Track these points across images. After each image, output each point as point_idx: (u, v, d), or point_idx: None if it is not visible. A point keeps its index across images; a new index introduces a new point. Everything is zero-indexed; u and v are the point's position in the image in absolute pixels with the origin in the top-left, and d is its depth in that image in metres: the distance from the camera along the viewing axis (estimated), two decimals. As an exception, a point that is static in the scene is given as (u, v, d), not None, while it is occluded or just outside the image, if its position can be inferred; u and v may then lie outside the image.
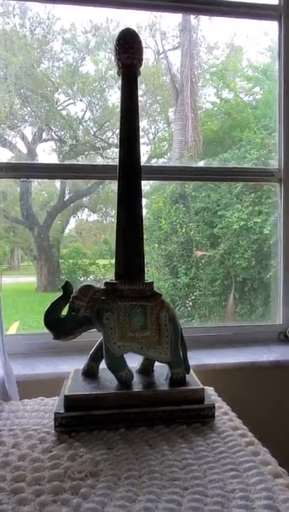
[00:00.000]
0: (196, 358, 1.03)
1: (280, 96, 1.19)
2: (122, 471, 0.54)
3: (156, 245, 2.30)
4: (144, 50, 0.75)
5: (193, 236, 2.25)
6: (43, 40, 2.13)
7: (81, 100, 2.21)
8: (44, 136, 2.20)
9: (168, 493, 0.49)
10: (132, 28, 0.72)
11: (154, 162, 2.43)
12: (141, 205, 0.74)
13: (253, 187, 2.02)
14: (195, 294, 2.21)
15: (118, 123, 0.74)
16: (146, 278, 0.74)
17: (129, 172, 0.73)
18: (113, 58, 0.74)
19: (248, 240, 2.11)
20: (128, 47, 0.70)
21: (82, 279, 2.26)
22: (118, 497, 0.48)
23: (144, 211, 0.76)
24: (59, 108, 2.21)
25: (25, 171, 1.13)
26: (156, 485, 0.51)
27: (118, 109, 0.74)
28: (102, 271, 2.28)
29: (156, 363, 0.75)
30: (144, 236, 0.76)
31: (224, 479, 0.52)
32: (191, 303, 2.20)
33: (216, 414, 0.69)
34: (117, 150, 0.74)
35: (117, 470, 0.54)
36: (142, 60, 0.73)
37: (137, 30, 0.73)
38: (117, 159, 0.74)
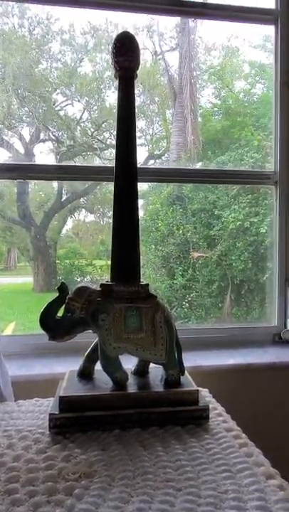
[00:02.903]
0: (192, 360, 1.03)
1: (276, 99, 1.20)
2: (116, 472, 0.54)
3: (153, 246, 2.30)
4: (142, 51, 0.75)
5: (190, 237, 2.25)
6: (42, 40, 2.13)
7: (79, 101, 2.21)
8: (42, 136, 2.19)
9: (161, 494, 0.49)
10: (129, 32, 0.73)
11: (151, 163, 2.44)
12: (137, 206, 0.75)
13: (250, 189, 2.03)
14: (192, 295, 2.22)
15: (115, 124, 0.74)
16: (142, 279, 0.74)
17: (126, 173, 0.73)
18: (110, 61, 0.74)
19: (244, 241, 2.11)
20: (125, 50, 0.71)
21: (78, 279, 2.26)
22: (112, 498, 0.48)
23: (141, 212, 0.77)
24: (57, 108, 2.21)
25: (22, 171, 1.13)
26: (149, 486, 0.51)
27: (116, 110, 0.74)
28: (98, 272, 2.28)
29: (151, 365, 0.76)
30: (141, 237, 0.76)
31: (217, 480, 0.52)
32: (187, 304, 2.21)
33: (210, 415, 0.69)
34: (114, 151, 0.75)
35: (111, 471, 0.54)
36: (139, 63, 0.73)
37: (134, 32, 0.74)
38: (113, 160, 0.74)
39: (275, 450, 0.66)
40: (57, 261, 2.24)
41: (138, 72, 0.75)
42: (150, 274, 2.27)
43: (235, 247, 2.14)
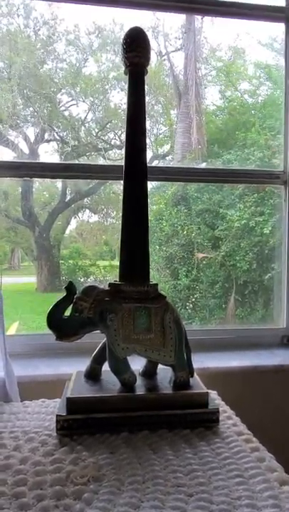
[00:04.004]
0: (198, 361, 1.01)
1: (286, 97, 1.19)
2: (126, 476, 0.53)
3: (158, 247, 2.29)
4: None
5: (195, 238, 2.24)
6: (47, 40, 2.13)
7: (84, 101, 2.20)
8: (46, 136, 2.19)
9: (172, 500, 0.48)
10: (139, 27, 0.72)
11: (155, 164, 2.43)
12: (147, 205, 0.73)
13: (255, 188, 2.02)
14: (195, 296, 2.20)
15: (120, 124, 0.73)
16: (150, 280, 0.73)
17: (136, 172, 0.72)
18: (120, 57, 0.73)
19: (249, 242, 2.10)
20: (136, 45, 0.70)
21: (82, 279, 2.25)
22: (122, 503, 0.47)
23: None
24: (62, 109, 2.21)
25: (27, 170, 1.12)
26: (160, 491, 0.50)
27: (120, 111, 0.73)
28: (102, 272, 2.27)
29: (160, 366, 0.74)
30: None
31: (230, 486, 0.51)
32: (191, 305, 2.19)
33: (219, 418, 0.68)
34: (119, 151, 0.74)
35: (121, 475, 0.53)
36: (149, 59, 0.72)
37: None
38: (119, 160, 0.73)
39: (285, 455, 0.65)
40: (60, 261, 2.24)
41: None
42: (154, 274, 2.26)
43: (240, 247, 2.12)
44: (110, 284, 0.70)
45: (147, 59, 0.72)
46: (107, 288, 0.70)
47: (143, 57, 0.71)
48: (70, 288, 0.69)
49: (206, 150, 2.25)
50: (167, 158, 2.46)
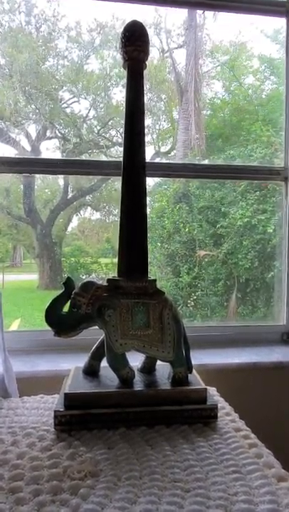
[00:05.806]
0: (198, 358, 1.01)
1: (288, 93, 1.18)
2: (123, 471, 0.53)
3: (159, 244, 2.28)
4: (150, 48, 0.73)
5: (196, 235, 2.23)
6: (49, 37, 2.12)
7: (85, 98, 2.20)
8: (48, 133, 2.19)
9: (169, 495, 0.48)
10: (138, 21, 0.71)
11: (157, 161, 2.42)
12: (145, 202, 0.73)
13: (257, 185, 2.01)
14: (197, 293, 2.20)
15: (122, 121, 0.73)
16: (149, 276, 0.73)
17: (134, 168, 0.72)
18: (119, 51, 0.72)
19: (251, 239, 2.09)
20: (134, 39, 0.69)
21: (84, 277, 2.25)
22: (118, 498, 0.47)
23: (147, 210, 0.75)
24: (63, 106, 2.20)
25: (29, 165, 1.12)
26: (157, 486, 0.50)
27: (122, 108, 0.73)
28: (104, 269, 2.27)
29: (159, 362, 0.74)
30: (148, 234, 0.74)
31: (227, 482, 0.51)
32: (192, 303, 2.19)
33: (218, 414, 0.67)
34: (121, 149, 0.73)
35: (117, 470, 0.53)
36: (148, 53, 0.71)
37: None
38: (121, 158, 0.73)
39: (284, 451, 0.64)
40: (62, 258, 2.24)
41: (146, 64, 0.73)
42: (155, 272, 2.25)
43: (242, 245, 2.12)
44: (109, 280, 0.70)
45: (146, 53, 0.71)
46: (105, 284, 0.70)
47: (142, 51, 0.70)
48: (68, 283, 0.68)
49: (205, 147, 2.24)
50: (169, 155, 2.45)
